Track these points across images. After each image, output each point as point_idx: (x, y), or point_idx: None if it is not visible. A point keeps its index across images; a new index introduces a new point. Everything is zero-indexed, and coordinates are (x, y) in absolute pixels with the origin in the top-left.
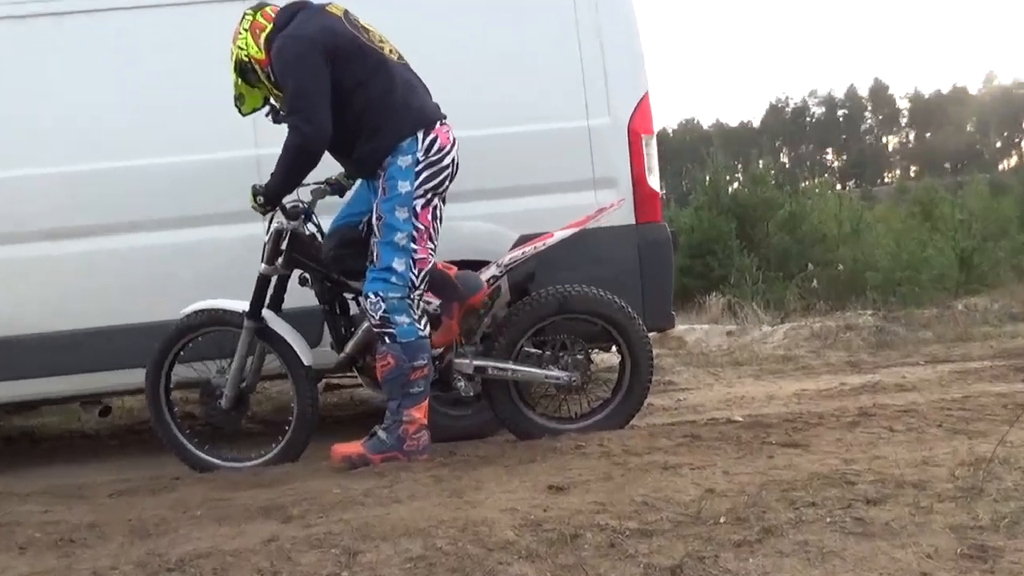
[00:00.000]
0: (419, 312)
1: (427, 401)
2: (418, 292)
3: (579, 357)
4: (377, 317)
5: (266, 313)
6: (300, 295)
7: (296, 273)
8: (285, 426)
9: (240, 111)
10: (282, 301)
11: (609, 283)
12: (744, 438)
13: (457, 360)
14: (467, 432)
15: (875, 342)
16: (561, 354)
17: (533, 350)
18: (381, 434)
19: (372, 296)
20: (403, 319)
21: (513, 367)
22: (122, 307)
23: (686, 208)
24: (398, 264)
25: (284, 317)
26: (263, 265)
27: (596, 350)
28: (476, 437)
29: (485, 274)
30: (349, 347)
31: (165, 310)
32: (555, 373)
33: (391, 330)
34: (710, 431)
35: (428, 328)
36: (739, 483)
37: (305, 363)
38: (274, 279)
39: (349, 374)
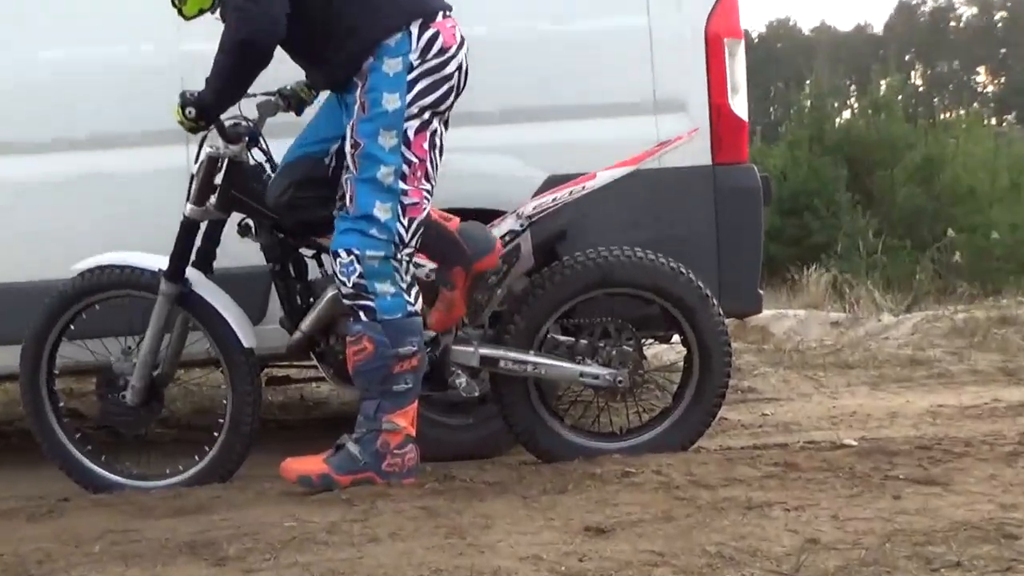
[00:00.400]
0: (408, 279)
1: (416, 404)
2: (408, 251)
3: (627, 349)
4: (350, 284)
5: (191, 274)
6: (240, 250)
7: (235, 219)
8: (214, 432)
9: (182, 13)
10: (214, 258)
11: (672, 247)
12: (859, 470)
13: (457, 348)
14: (470, 449)
15: None
16: (602, 344)
17: (563, 338)
18: (352, 447)
19: (343, 254)
20: (386, 288)
21: (534, 359)
22: None
23: (775, 145)
24: (380, 211)
25: (216, 280)
26: (189, 206)
27: (650, 340)
28: (482, 456)
29: (500, 228)
30: (306, 324)
31: (48, 266)
32: (593, 370)
33: (368, 303)
34: (810, 459)
35: (420, 302)
36: (853, 532)
37: (244, 345)
38: (203, 226)
39: (305, 362)
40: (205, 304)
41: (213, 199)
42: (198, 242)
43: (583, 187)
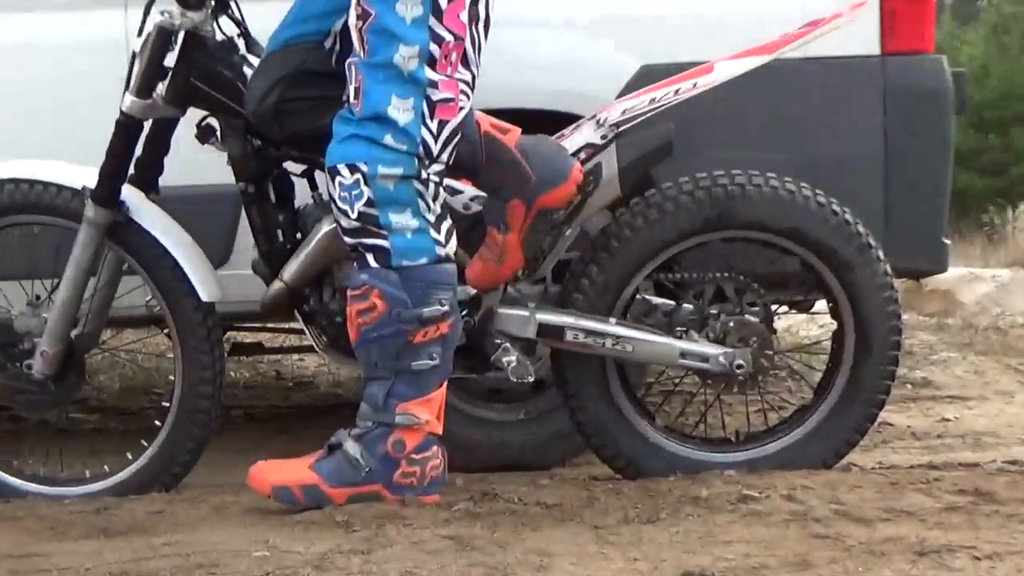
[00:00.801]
0: (438, 209)
1: (444, 389)
2: (437, 168)
3: (750, 320)
4: (353, 214)
5: (128, 194)
6: (198, 163)
7: (193, 118)
8: (155, 420)
9: None
10: (160, 172)
11: (820, 173)
12: None
13: (506, 311)
14: (519, 456)
15: None
16: (714, 312)
17: (658, 300)
18: (352, 449)
19: (344, 172)
20: (405, 221)
21: (617, 330)
22: None
23: (971, 27)
24: (399, 109)
25: (164, 205)
26: (128, 98)
27: (784, 308)
28: (537, 467)
29: (572, 141)
30: (290, 271)
31: None
32: (700, 348)
33: (379, 242)
34: (1012, 487)
35: (454, 243)
36: None
37: (201, 297)
38: (148, 127)
39: (286, 324)
40: (147, 238)
41: (162, 88)
42: (139, 150)
43: (694, 84)
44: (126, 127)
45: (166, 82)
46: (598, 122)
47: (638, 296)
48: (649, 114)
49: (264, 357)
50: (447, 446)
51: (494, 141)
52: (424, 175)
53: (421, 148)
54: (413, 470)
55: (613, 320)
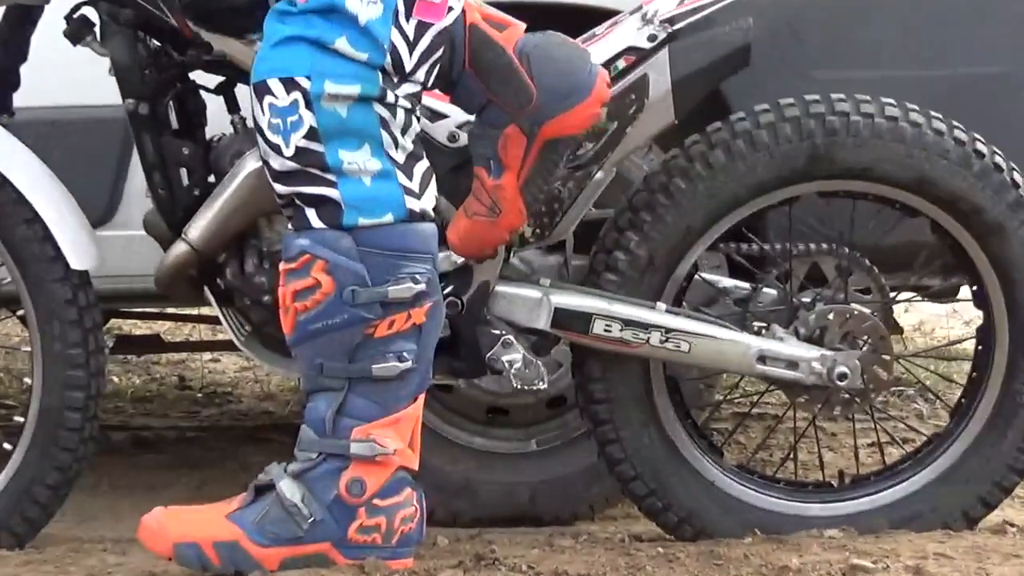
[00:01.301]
0: (409, 146)
1: (420, 404)
2: (411, 89)
3: (861, 312)
4: (289, 148)
5: None
6: (70, 74)
7: (60, 6)
8: (4, 442)
9: None
10: (14, 86)
11: (965, 100)
12: None
13: (506, 289)
14: (527, 503)
15: None
16: (807, 299)
17: (727, 282)
18: (288, 490)
19: (277, 87)
20: (361, 160)
21: (666, 320)
22: None
23: None
24: (359, 1)
25: (19, 133)
26: None
27: (910, 295)
28: (550, 519)
29: (610, 42)
30: (197, 229)
31: None
32: (788, 350)
33: (325, 189)
34: None
35: (434, 193)
36: None
37: (72, 265)
38: None
39: (194, 305)
40: None
41: None
42: None
43: None
44: None
45: None
46: (644, 17)
47: (698, 275)
48: (717, 6)
49: (162, 357)
50: (427, 489)
51: (483, 38)
52: (391, 97)
53: (389, 58)
54: (376, 522)
55: (662, 306)
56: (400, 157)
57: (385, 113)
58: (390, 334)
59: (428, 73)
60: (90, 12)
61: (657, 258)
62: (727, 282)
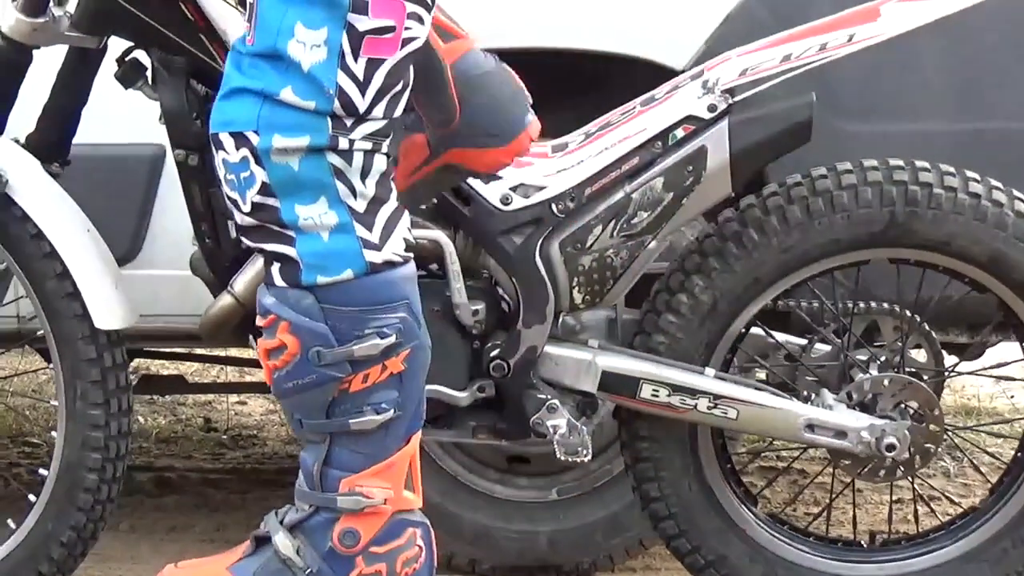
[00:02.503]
0: (370, 191)
1: (415, 442)
2: (370, 128)
3: (914, 381)
4: (246, 204)
5: (9, 158)
6: (115, 114)
7: (111, 48)
8: (27, 492)
9: None
10: (71, 133)
11: (1001, 152)
12: None
13: (555, 350)
14: (546, 551)
15: None
16: (864, 362)
17: (780, 337)
18: (283, 543)
19: (227, 142)
20: (316, 214)
21: (715, 386)
22: None
23: None
24: (304, 45)
25: (61, 179)
26: (12, 15)
27: (963, 362)
28: (570, 568)
29: (668, 109)
30: (246, 282)
31: None
32: (837, 419)
33: (283, 247)
34: None
35: (402, 238)
36: None
37: (97, 324)
38: (62, 63)
39: (223, 347)
40: (26, 228)
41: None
42: (26, 93)
43: (849, 36)
44: (4, 56)
45: None
46: (705, 85)
47: (749, 336)
48: (781, 78)
49: (188, 398)
50: (446, 536)
51: (425, 49)
52: (344, 143)
53: (338, 102)
54: (376, 568)
55: (711, 372)
56: (360, 206)
57: (339, 162)
58: (366, 387)
59: (389, 107)
60: (142, 56)
61: (720, 306)
62: (780, 337)
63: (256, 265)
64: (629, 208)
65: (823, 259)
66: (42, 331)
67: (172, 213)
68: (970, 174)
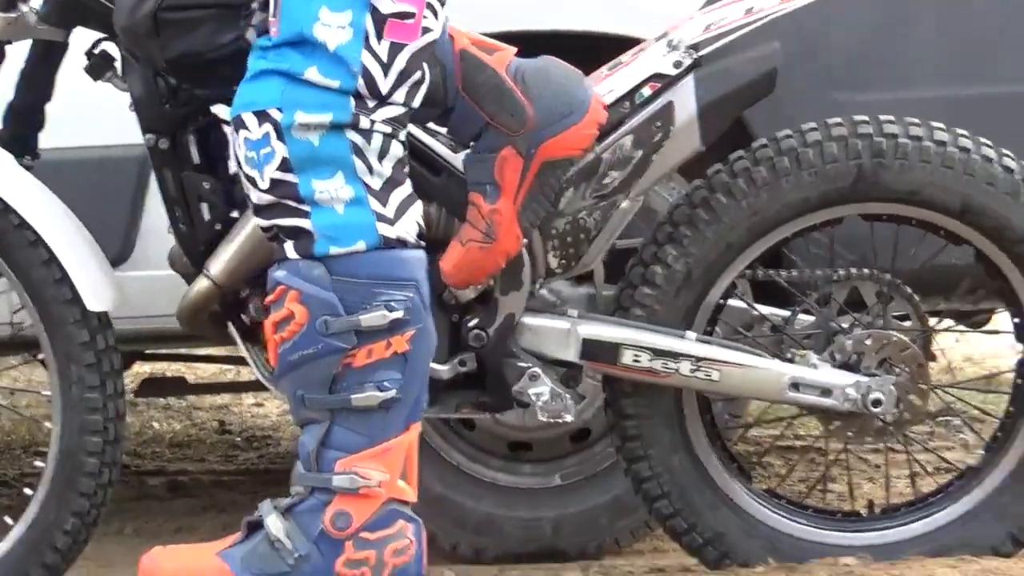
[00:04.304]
0: (387, 172)
1: (415, 431)
2: (390, 112)
3: (898, 339)
4: (264, 180)
5: None
6: (87, 111)
7: (77, 42)
8: (23, 487)
9: None
10: (38, 126)
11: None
12: None
13: (533, 321)
14: (550, 537)
15: None
16: (844, 325)
17: (761, 308)
18: (275, 526)
19: (250, 121)
20: (333, 188)
21: (697, 348)
22: None
23: None
24: (330, 27)
25: (39, 172)
26: None
27: (948, 323)
28: (574, 553)
29: (634, 69)
30: (221, 264)
31: None
32: (822, 377)
33: (298, 220)
34: None
35: (414, 220)
36: None
37: (89, 306)
38: (11, 54)
39: (214, 343)
40: (12, 221)
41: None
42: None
43: None
44: None
45: None
46: (670, 44)
47: (730, 300)
48: (745, 30)
49: (204, 402)
50: (450, 526)
51: (474, 62)
52: (365, 123)
53: (362, 82)
54: (364, 555)
55: (692, 335)
56: (376, 183)
57: (359, 139)
58: (369, 363)
59: (410, 95)
60: (110, 47)
61: (695, 274)
62: (762, 309)
63: (231, 246)
64: (600, 168)
65: (794, 219)
66: (27, 324)
67: (164, 214)
68: (935, 124)
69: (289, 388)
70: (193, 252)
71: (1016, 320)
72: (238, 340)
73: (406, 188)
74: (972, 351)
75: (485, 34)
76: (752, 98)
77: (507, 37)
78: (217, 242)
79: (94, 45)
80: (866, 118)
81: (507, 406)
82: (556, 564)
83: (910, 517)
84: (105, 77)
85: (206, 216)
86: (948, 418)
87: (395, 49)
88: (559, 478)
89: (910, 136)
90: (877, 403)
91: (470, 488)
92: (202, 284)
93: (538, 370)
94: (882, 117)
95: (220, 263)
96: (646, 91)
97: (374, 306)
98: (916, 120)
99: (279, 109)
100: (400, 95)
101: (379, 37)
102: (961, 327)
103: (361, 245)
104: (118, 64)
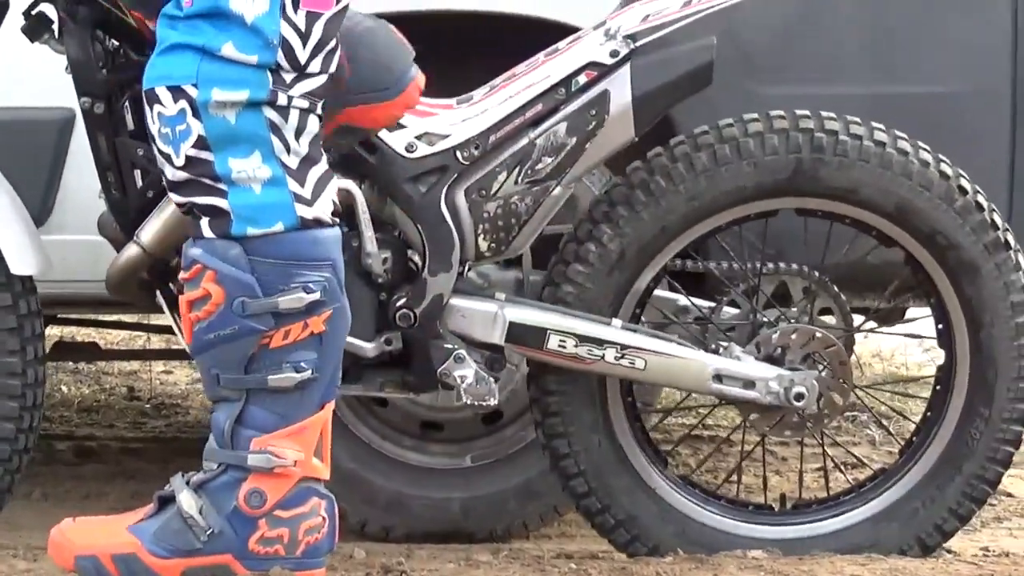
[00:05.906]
0: (303, 150)
1: (328, 410)
2: (308, 86)
3: (821, 335)
4: (179, 158)
5: None
6: (17, 71)
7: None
8: None
9: None
10: None
11: (926, 121)
12: None
13: (461, 302)
14: (459, 518)
15: None
16: (770, 319)
17: (685, 300)
18: (187, 502)
19: (164, 96)
20: (250, 167)
21: (622, 336)
22: None
23: None
24: None
25: None
26: None
27: (870, 324)
28: (482, 535)
29: (570, 57)
30: (152, 231)
31: None
32: (745, 369)
33: (214, 199)
34: None
35: (331, 199)
36: None
37: (12, 269)
38: None
39: (140, 313)
40: None
41: None
42: None
43: None
44: None
45: None
46: (607, 33)
47: (656, 291)
48: (682, 23)
49: (114, 367)
50: (359, 503)
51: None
52: (283, 99)
53: (281, 53)
54: (278, 533)
55: (618, 322)
56: (293, 162)
57: (276, 117)
58: (286, 344)
59: (325, 62)
60: (48, 9)
61: (628, 254)
62: (686, 300)
63: (163, 215)
64: (533, 154)
65: (730, 208)
66: None
67: (83, 178)
68: (876, 124)
69: (204, 366)
70: (125, 219)
71: (940, 326)
72: (165, 308)
73: (322, 165)
74: (879, 347)
75: (419, 12)
76: (688, 90)
77: (444, 16)
78: (149, 210)
79: (32, 6)
80: (808, 113)
81: (431, 387)
82: (465, 545)
83: (822, 514)
84: (42, 39)
85: (139, 183)
86: (856, 414)
87: (312, 18)
88: (470, 459)
89: (851, 134)
90: (799, 397)
91: (380, 466)
92: (132, 251)
93: (464, 352)
94: (824, 113)
95: (151, 231)
96: (582, 79)
97: (292, 288)
98: (857, 119)
99: (194, 85)
100: (317, 64)
101: (295, 7)
102: (884, 329)
103: (279, 226)
104: (55, 27)
